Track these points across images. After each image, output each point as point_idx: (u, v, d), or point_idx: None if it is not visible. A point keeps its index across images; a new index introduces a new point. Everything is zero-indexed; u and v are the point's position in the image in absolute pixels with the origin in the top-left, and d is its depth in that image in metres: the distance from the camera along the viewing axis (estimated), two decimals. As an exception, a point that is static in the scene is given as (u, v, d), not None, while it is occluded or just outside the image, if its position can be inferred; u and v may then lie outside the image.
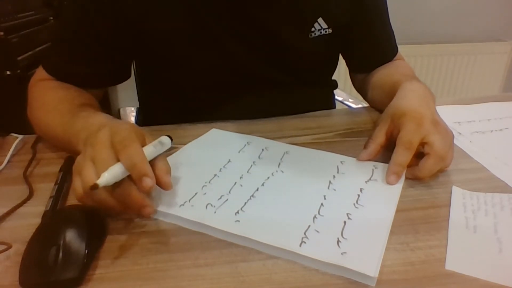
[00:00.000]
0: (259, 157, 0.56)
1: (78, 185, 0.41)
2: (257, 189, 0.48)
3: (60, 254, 0.36)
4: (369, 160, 0.54)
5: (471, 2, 1.93)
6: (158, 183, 0.42)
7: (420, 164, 0.50)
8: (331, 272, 0.36)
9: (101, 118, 0.52)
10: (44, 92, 0.63)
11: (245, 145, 0.60)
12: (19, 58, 1.16)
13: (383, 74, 0.74)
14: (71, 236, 0.38)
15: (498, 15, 1.98)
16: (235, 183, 0.49)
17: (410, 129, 0.50)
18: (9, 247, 0.39)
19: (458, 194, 0.48)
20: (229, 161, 0.55)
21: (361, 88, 0.82)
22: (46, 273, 0.35)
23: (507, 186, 0.50)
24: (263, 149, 0.58)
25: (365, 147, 0.55)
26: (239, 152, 0.58)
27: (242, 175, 0.51)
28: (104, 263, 0.38)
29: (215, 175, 0.51)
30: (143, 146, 0.44)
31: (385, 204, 0.45)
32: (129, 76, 0.72)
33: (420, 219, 0.44)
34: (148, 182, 0.40)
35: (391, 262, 0.37)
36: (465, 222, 0.43)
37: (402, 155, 0.50)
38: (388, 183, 0.49)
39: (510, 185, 0.50)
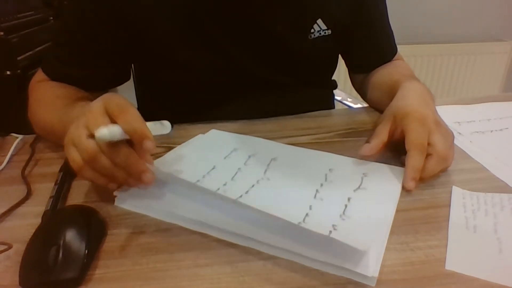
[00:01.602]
0: (257, 157, 0.56)
1: (75, 155, 0.42)
2: (256, 188, 0.48)
3: (60, 254, 0.36)
4: (370, 155, 0.54)
5: (471, 2, 1.93)
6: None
7: (423, 165, 0.50)
8: (331, 272, 0.36)
9: None
10: (42, 91, 0.63)
11: (232, 151, 0.58)
12: (19, 58, 1.16)
13: (382, 74, 0.74)
14: (71, 236, 0.38)
15: (498, 15, 1.98)
16: (218, 190, 0.48)
17: (417, 130, 0.50)
18: (9, 247, 0.39)
19: (458, 194, 0.48)
20: (208, 173, 0.52)
21: (360, 88, 0.82)
22: (46, 273, 0.35)
23: (507, 186, 0.50)
24: (261, 149, 0.58)
25: (367, 141, 0.55)
26: (225, 158, 0.56)
27: (226, 182, 0.50)
28: (104, 263, 0.38)
29: (213, 175, 0.51)
30: None
31: (385, 204, 0.45)
32: (128, 78, 0.72)
33: (420, 219, 0.44)
34: (149, 144, 0.40)
35: (391, 262, 0.37)
36: (465, 222, 0.43)
37: (417, 160, 0.49)
38: (407, 189, 0.48)
39: (510, 185, 0.50)
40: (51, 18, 1.41)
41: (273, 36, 0.67)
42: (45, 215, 0.43)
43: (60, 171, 0.52)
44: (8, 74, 1.14)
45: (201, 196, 0.46)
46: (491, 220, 0.43)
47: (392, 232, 0.41)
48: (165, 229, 0.42)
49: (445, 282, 0.35)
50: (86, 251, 0.37)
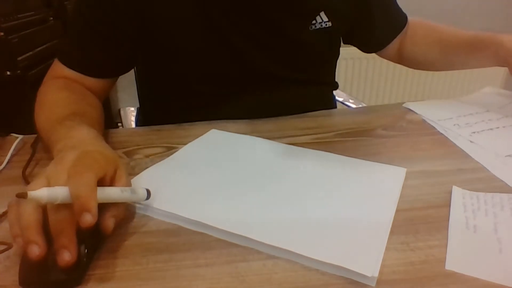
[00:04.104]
0: (257, 157, 0.56)
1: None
2: (256, 189, 0.48)
3: None
4: None
5: (471, 2, 1.93)
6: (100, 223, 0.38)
7: None
8: (331, 272, 0.36)
9: (82, 132, 0.49)
10: (48, 91, 0.63)
11: (244, 145, 0.60)
12: (19, 58, 1.16)
13: (450, 35, 0.78)
14: None
15: (498, 15, 1.98)
16: (233, 183, 0.49)
17: None
18: (10, 247, 0.39)
19: (458, 194, 0.48)
20: (228, 161, 0.55)
21: (405, 56, 0.85)
22: (46, 273, 0.35)
23: (507, 186, 0.50)
24: (261, 150, 0.58)
25: None
26: (238, 153, 0.58)
27: (240, 176, 0.51)
28: (104, 263, 0.38)
29: (213, 176, 0.51)
30: (110, 178, 0.41)
31: (385, 204, 0.45)
32: (134, 66, 0.73)
33: (420, 219, 0.44)
34: (88, 218, 0.34)
35: (391, 262, 0.37)
36: (465, 222, 0.43)
37: None
38: None
39: (510, 185, 0.50)
40: (51, 18, 1.41)
41: (277, 27, 0.68)
42: None
43: None
44: (8, 74, 1.14)
45: (200, 196, 0.47)
46: (491, 220, 0.43)
47: (392, 232, 0.41)
48: (165, 229, 0.42)
49: (445, 282, 0.35)
50: (86, 251, 0.37)
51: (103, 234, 0.41)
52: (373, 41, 0.83)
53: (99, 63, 0.66)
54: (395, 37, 0.82)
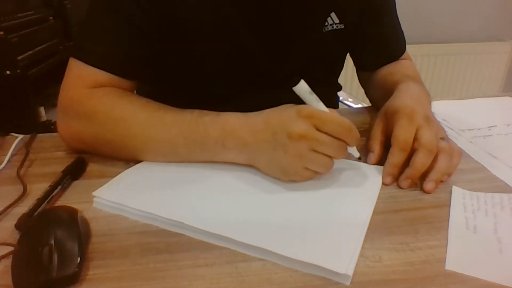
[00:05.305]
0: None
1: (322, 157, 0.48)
2: (233, 189, 0.48)
3: (54, 253, 0.36)
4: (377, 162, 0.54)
5: (471, 2, 1.93)
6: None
7: (410, 163, 0.49)
8: (309, 272, 0.36)
9: (232, 114, 0.53)
10: (114, 102, 0.56)
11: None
12: (19, 58, 1.16)
13: (385, 73, 0.75)
14: (60, 235, 0.37)
15: (498, 15, 1.98)
16: (209, 183, 0.49)
17: (403, 126, 0.50)
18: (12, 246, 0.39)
19: (458, 194, 0.48)
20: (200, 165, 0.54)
21: (365, 85, 0.83)
22: (39, 272, 0.35)
23: (507, 186, 0.50)
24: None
25: (369, 150, 0.55)
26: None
27: (217, 175, 0.50)
28: (104, 263, 0.38)
29: (191, 176, 0.50)
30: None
31: (364, 202, 0.45)
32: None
33: (420, 219, 0.44)
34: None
35: (391, 262, 0.37)
36: (465, 222, 0.43)
37: (397, 156, 0.50)
38: (384, 184, 0.49)
39: (510, 185, 0.50)
40: (51, 17, 1.41)
41: (290, 26, 0.67)
42: (22, 219, 0.43)
43: (63, 171, 0.51)
44: (8, 74, 1.14)
45: (177, 196, 0.46)
46: (491, 220, 0.43)
47: (392, 232, 0.41)
48: (165, 229, 0.42)
49: (445, 282, 0.35)
50: (78, 247, 0.37)
51: (88, 231, 0.41)
52: (367, 58, 0.80)
53: (136, 63, 0.62)
54: (386, 63, 0.78)
